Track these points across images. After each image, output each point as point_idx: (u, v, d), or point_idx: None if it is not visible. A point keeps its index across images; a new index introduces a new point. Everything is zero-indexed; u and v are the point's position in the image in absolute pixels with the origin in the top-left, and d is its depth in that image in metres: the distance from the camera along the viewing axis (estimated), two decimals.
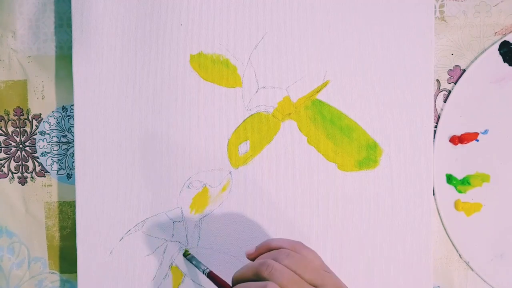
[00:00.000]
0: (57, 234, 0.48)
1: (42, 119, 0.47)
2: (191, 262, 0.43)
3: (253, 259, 0.36)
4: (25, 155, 0.48)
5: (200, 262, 0.42)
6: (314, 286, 0.32)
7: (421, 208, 0.44)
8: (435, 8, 0.45)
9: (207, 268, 0.41)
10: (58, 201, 0.48)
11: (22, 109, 0.47)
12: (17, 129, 0.48)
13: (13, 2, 0.47)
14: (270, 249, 0.35)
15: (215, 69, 0.45)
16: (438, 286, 0.46)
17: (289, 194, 0.45)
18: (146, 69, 0.45)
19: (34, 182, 0.48)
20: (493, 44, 0.45)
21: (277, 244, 0.35)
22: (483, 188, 0.46)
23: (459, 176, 0.46)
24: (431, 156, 0.44)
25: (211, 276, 0.39)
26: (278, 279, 0.31)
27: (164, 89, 0.45)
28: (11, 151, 0.48)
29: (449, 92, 0.46)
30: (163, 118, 0.45)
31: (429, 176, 0.44)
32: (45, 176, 0.48)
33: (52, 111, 0.47)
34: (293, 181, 0.45)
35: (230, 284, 0.35)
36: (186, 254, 0.44)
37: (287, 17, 0.44)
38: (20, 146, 0.48)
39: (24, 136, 0.48)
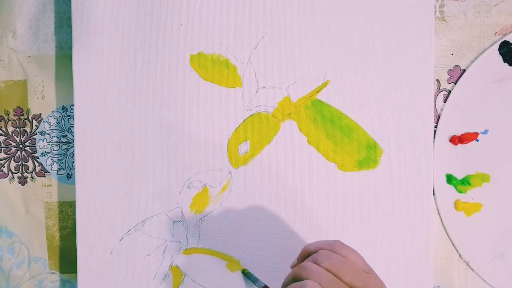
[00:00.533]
0: (57, 234, 0.48)
1: (42, 119, 0.47)
2: (249, 278, 0.44)
3: None
4: (25, 155, 0.48)
5: (257, 279, 0.43)
6: None
7: (421, 208, 0.44)
8: (435, 8, 0.45)
9: (263, 283, 0.42)
10: (58, 201, 0.48)
11: (22, 109, 0.47)
12: (17, 129, 0.48)
13: (13, 2, 0.47)
14: (310, 254, 0.34)
15: (215, 69, 0.45)
16: (438, 286, 0.46)
17: (289, 194, 0.45)
18: (146, 69, 0.45)
19: (34, 182, 0.48)
20: (493, 44, 0.45)
21: (315, 246, 0.34)
22: (483, 188, 0.46)
23: (459, 176, 0.46)
24: (431, 156, 0.44)
25: None
26: (317, 281, 0.30)
27: (164, 89, 0.45)
28: (11, 151, 0.48)
29: (449, 92, 0.46)
30: (163, 118, 0.45)
31: (429, 176, 0.44)
32: (45, 176, 0.47)
33: (52, 111, 0.47)
34: (293, 181, 0.45)
35: None
36: (245, 272, 0.44)
37: (287, 17, 0.44)
38: (20, 146, 0.48)
39: (24, 136, 0.48)
